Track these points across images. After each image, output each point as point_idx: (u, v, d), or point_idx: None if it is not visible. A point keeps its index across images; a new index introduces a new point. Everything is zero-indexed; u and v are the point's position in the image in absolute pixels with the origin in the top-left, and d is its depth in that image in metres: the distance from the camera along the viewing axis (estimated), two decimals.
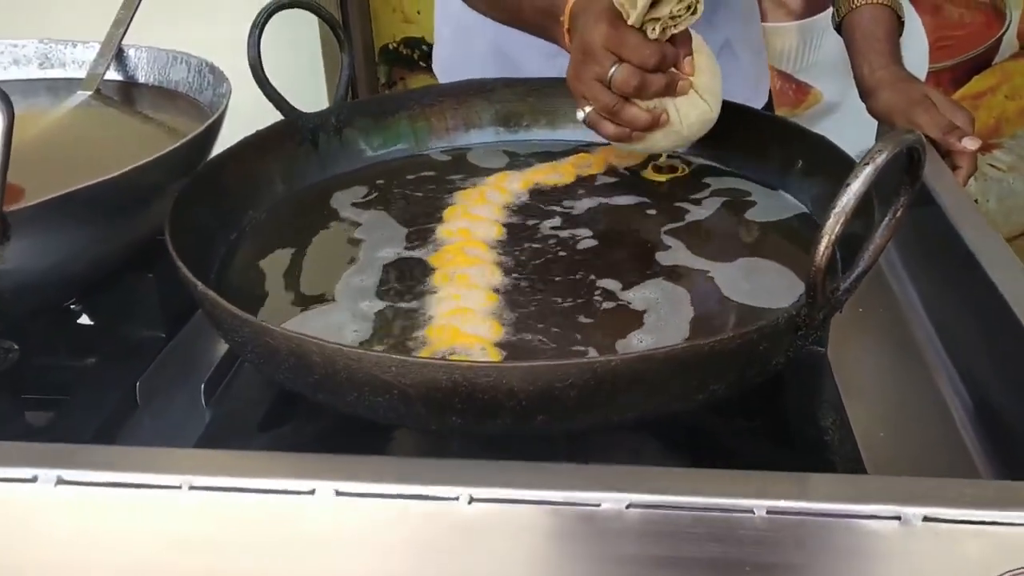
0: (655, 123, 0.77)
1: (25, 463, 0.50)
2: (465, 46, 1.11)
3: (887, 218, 0.56)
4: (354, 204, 0.83)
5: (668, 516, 0.47)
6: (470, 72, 1.00)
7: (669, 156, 0.88)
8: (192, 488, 0.49)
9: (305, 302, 0.69)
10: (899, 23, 0.98)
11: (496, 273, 0.71)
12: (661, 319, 0.64)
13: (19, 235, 0.62)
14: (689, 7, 0.71)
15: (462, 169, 0.89)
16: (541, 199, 0.83)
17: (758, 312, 0.65)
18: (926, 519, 0.45)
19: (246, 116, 0.85)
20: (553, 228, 0.78)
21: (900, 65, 0.96)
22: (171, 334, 0.77)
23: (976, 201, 2.01)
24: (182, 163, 0.73)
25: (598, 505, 0.47)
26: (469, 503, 0.47)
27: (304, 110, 0.87)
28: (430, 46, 2.19)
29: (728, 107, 0.87)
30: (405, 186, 0.86)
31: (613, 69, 0.73)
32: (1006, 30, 1.96)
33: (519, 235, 0.77)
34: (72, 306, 0.80)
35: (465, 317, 0.66)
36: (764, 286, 0.68)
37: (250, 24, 0.80)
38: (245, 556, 0.50)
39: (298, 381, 0.57)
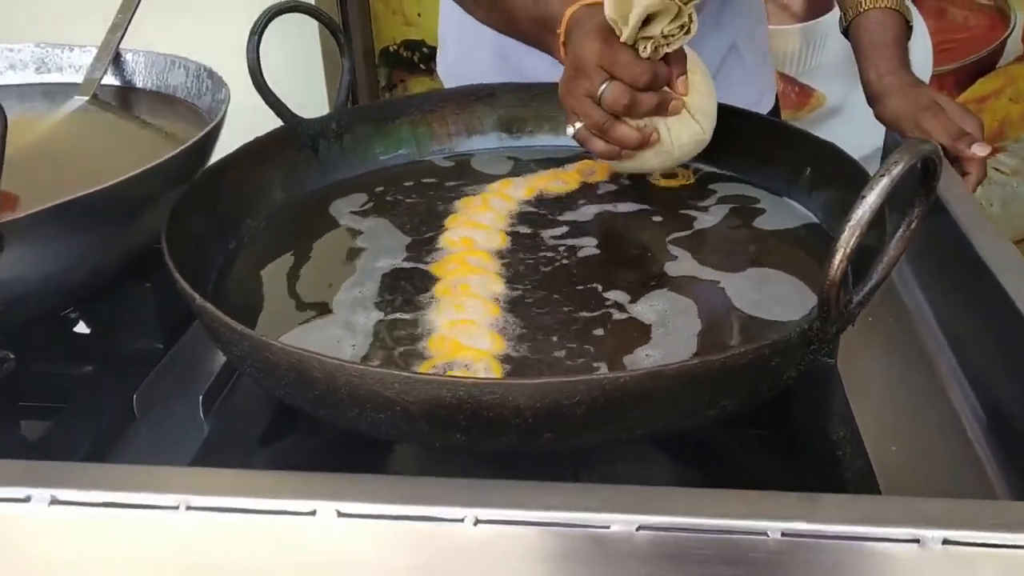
0: (645, 142, 0.75)
1: (18, 482, 0.49)
2: (469, 50, 1.09)
3: (901, 229, 0.55)
4: (355, 212, 0.81)
5: (679, 539, 0.45)
6: (475, 76, 0.99)
7: None
8: (189, 508, 0.48)
9: (305, 313, 0.67)
10: (907, 28, 0.97)
11: (499, 283, 0.70)
12: (668, 332, 0.63)
13: (14, 245, 0.60)
14: (683, 27, 0.70)
15: (465, 176, 0.88)
16: (545, 207, 0.81)
17: (767, 325, 0.64)
18: (946, 542, 0.44)
19: (246, 120, 0.84)
20: (557, 237, 0.76)
21: (908, 70, 0.95)
22: (169, 344, 0.76)
23: None
24: (180, 171, 0.72)
25: (607, 527, 0.46)
26: (475, 524, 0.46)
27: (304, 115, 0.86)
28: (431, 48, 2.20)
29: (734, 112, 0.86)
30: (407, 193, 0.85)
31: (603, 86, 0.72)
32: (1010, 33, 1.95)
33: (523, 244, 0.75)
34: (69, 314, 0.78)
35: (467, 329, 0.64)
36: (773, 297, 0.67)
37: (249, 27, 0.79)
38: None
39: (298, 396, 0.55)
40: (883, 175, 0.48)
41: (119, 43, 0.92)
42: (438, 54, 1.19)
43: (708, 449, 0.65)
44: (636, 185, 0.85)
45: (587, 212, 0.80)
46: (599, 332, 0.63)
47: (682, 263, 0.72)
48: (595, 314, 0.65)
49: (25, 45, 0.95)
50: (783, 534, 0.45)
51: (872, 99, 0.96)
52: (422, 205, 0.82)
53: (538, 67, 0.99)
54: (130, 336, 0.75)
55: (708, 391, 0.52)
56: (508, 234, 0.77)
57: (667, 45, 0.71)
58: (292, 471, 0.51)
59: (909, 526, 0.44)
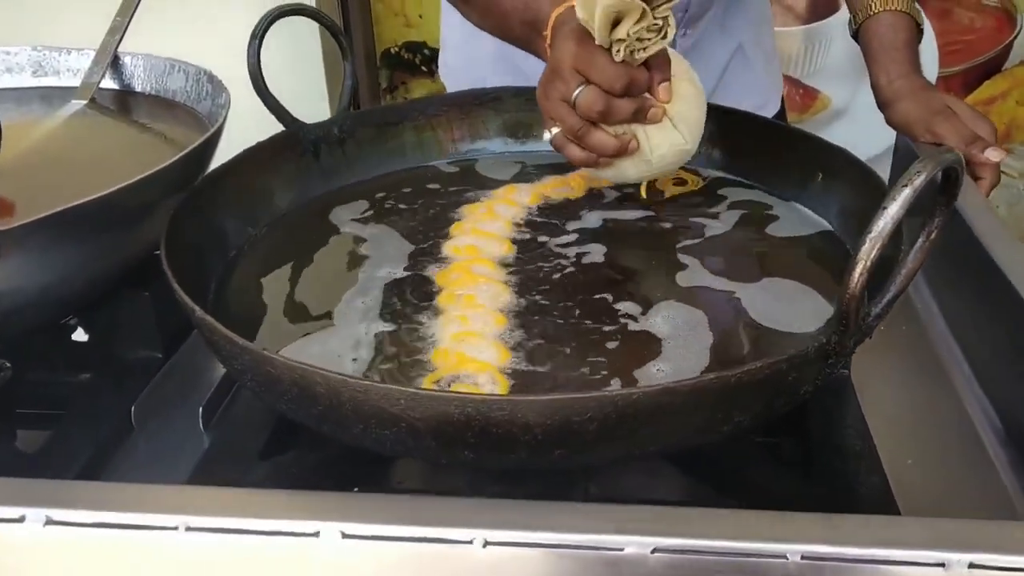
0: (623, 150, 0.72)
1: (12, 501, 0.48)
2: (471, 52, 1.08)
3: (920, 240, 0.53)
4: (357, 219, 0.80)
5: (696, 561, 0.44)
6: (477, 79, 0.97)
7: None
8: (189, 529, 0.47)
9: (306, 324, 0.66)
10: (918, 30, 0.95)
11: (505, 293, 0.68)
12: (680, 345, 0.61)
13: (10, 255, 0.60)
14: (659, 29, 0.67)
15: (469, 181, 0.87)
16: (552, 214, 0.80)
17: (781, 337, 0.63)
18: (972, 566, 0.43)
19: (246, 125, 0.83)
20: (564, 245, 0.75)
21: (919, 74, 0.93)
22: (168, 353, 0.74)
23: None
24: (179, 178, 0.71)
25: (622, 549, 0.44)
26: (484, 546, 0.45)
27: (305, 119, 0.84)
28: (432, 50, 2.18)
29: (742, 116, 0.85)
30: (410, 200, 0.83)
31: (578, 90, 0.69)
32: (1017, 34, 1.93)
33: (529, 252, 0.74)
34: (67, 321, 0.77)
35: (471, 341, 0.63)
36: (788, 309, 0.65)
37: (249, 30, 0.77)
38: None
39: (300, 412, 0.54)
40: (905, 185, 0.46)
41: (117, 46, 0.91)
42: (440, 56, 1.18)
43: (719, 461, 0.64)
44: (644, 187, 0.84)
45: (594, 219, 0.79)
46: (608, 345, 0.62)
47: (693, 273, 0.70)
48: (604, 326, 0.64)
49: (22, 48, 0.93)
50: (803, 557, 0.44)
51: (883, 104, 0.94)
52: (426, 212, 0.81)
53: (541, 69, 0.97)
54: (128, 345, 0.74)
55: (723, 407, 0.51)
56: (514, 242, 0.75)
57: (643, 49, 0.67)
58: (295, 490, 0.50)
59: (934, 549, 0.43)
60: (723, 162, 0.86)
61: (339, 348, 0.63)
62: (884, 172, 0.76)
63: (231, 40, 0.87)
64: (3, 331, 0.66)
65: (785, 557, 0.44)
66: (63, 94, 0.90)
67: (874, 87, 0.95)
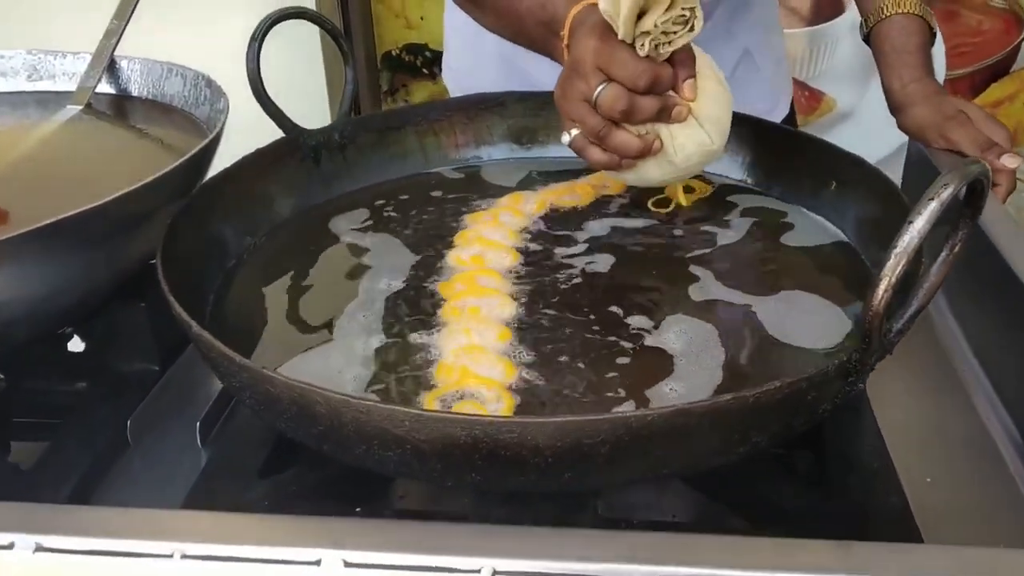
0: (647, 151, 0.69)
1: (0, 527, 0.46)
2: (475, 56, 1.06)
3: (943, 253, 0.52)
4: (358, 228, 0.78)
5: None
6: (481, 82, 0.96)
7: None
8: (184, 557, 0.45)
9: (306, 337, 0.64)
10: (931, 34, 0.93)
11: (510, 306, 0.66)
12: (692, 362, 0.59)
13: (2, 266, 0.58)
14: (685, 21, 0.64)
15: (473, 188, 0.85)
16: (558, 222, 0.78)
17: (796, 353, 0.61)
18: None
19: (245, 130, 0.81)
20: (572, 255, 0.73)
21: (932, 78, 0.92)
22: (165, 366, 0.72)
23: None
24: (177, 186, 0.69)
25: None
26: None
27: (305, 124, 0.82)
28: (433, 52, 2.17)
29: (751, 121, 0.83)
30: (413, 207, 0.81)
31: (600, 88, 0.66)
32: None
33: (535, 263, 0.72)
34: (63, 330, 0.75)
35: (476, 356, 0.61)
36: (802, 323, 0.63)
37: (248, 34, 0.75)
38: None
39: (300, 431, 0.52)
40: (932, 199, 0.44)
41: (114, 50, 0.89)
42: (443, 59, 1.16)
43: (731, 476, 0.61)
44: (652, 198, 0.82)
45: (602, 227, 0.77)
46: (618, 362, 0.60)
47: (706, 285, 0.68)
48: (613, 341, 0.62)
49: (16, 52, 0.92)
50: None
51: (895, 108, 0.93)
52: (429, 220, 0.79)
53: (547, 73, 0.95)
54: (124, 357, 0.72)
55: (740, 428, 0.49)
56: (519, 252, 0.73)
57: (668, 43, 0.64)
58: (295, 516, 0.48)
59: None
60: (732, 168, 0.84)
61: (339, 363, 0.61)
62: (890, 175, 0.74)
63: (230, 44, 0.86)
64: None
65: None
66: (59, 99, 0.89)
67: (886, 91, 0.93)
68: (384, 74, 2.10)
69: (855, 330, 0.62)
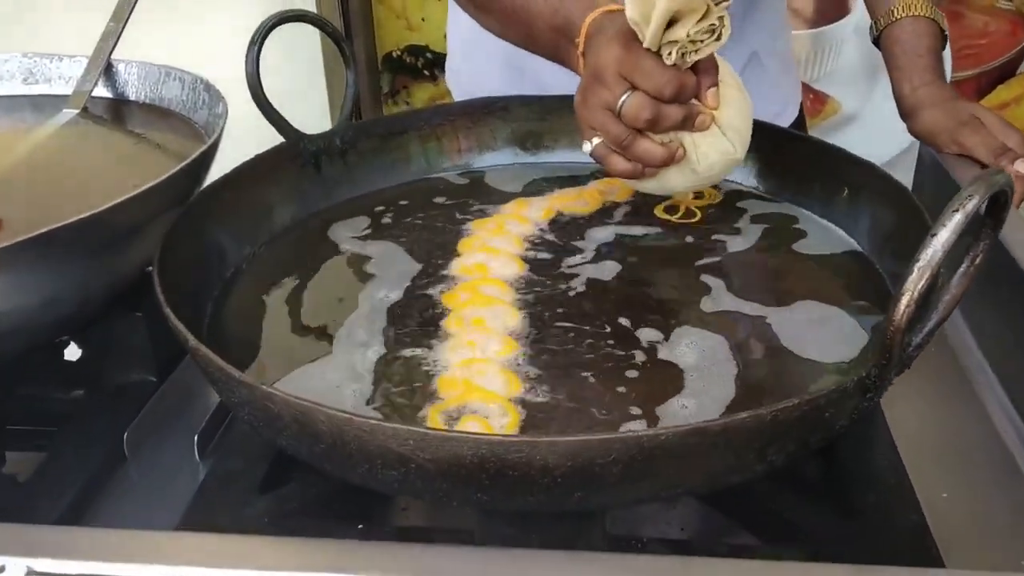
0: (670, 159, 0.68)
1: None
2: (478, 59, 1.04)
3: (964, 265, 0.50)
4: (360, 236, 0.77)
5: None
6: (484, 86, 0.94)
7: None
8: None
9: (307, 349, 0.63)
10: (942, 36, 0.92)
11: (515, 316, 0.65)
12: (704, 376, 0.58)
13: None
14: (712, 30, 0.62)
15: (478, 194, 0.83)
16: (565, 230, 0.76)
17: (811, 366, 0.59)
18: None
19: (244, 133, 0.79)
20: (579, 264, 0.71)
21: (944, 82, 0.90)
22: (162, 377, 0.71)
23: None
24: (174, 193, 0.68)
25: None
26: None
27: (306, 130, 0.81)
28: (434, 54, 2.15)
29: (760, 126, 0.81)
30: (416, 214, 0.80)
31: (624, 97, 0.65)
32: None
33: (541, 272, 0.70)
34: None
35: (480, 368, 0.60)
36: (817, 335, 0.62)
37: (248, 37, 0.74)
38: None
39: (301, 449, 0.50)
40: (956, 211, 0.43)
41: (111, 53, 0.88)
42: (446, 62, 1.14)
43: (742, 490, 0.60)
44: (661, 204, 0.80)
45: (609, 235, 0.76)
46: (627, 376, 0.59)
47: (718, 295, 0.67)
48: (621, 354, 0.61)
49: (12, 55, 0.91)
50: None
51: (905, 113, 0.91)
52: (432, 227, 0.78)
53: (552, 76, 0.94)
54: (121, 368, 0.71)
55: (756, 446, 0.47)
56: (525, 260, 0.72)
57: (695, 51, 0.63)
58: (294, 538, 0.46)
59: None
60: (741, 174, 0.82)
61: (340, 376, 0.59)
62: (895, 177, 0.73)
63: (229, 47, 0.84)
64: None
65: None
66: (55, 102, 0.88)
67: (896, 96, 0.92)
68: (385, 76, 2.08)
69: (872, 344, 0.61)
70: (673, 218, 0.78)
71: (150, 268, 0.61)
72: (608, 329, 0.63)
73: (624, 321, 0.64)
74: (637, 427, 0.54)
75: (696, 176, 0.70)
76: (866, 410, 0.52)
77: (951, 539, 0.56)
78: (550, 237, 0.76)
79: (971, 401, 0.69)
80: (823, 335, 0.62)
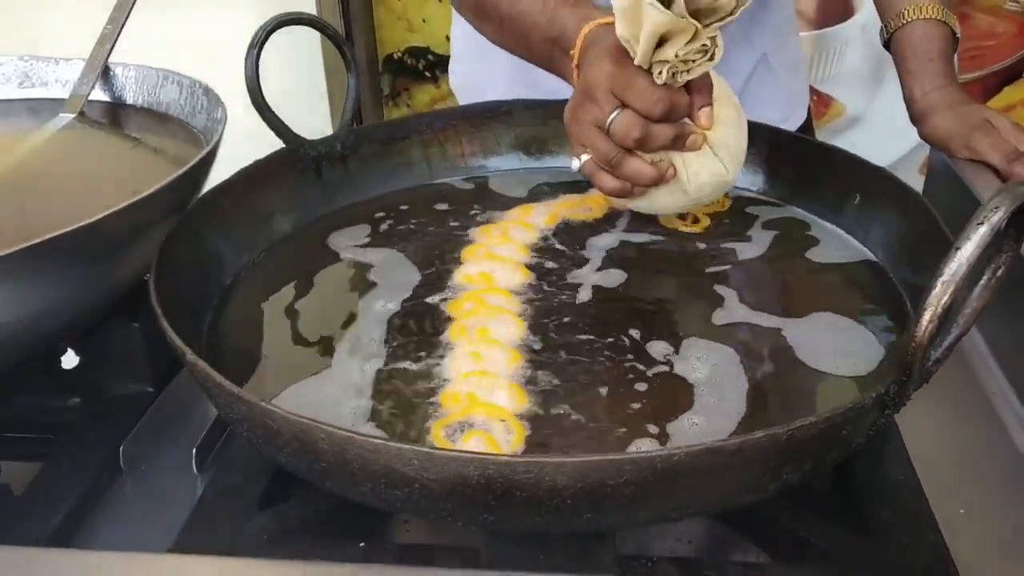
0: (660, 179, 0.66)
1: None
2: (483, 60, 1.03)
3: (985, 277, 0.49)
4: (362, 243, 0.75)
5: None
6: (489, 88, 0.92)
7: None
8: None
9: (307, 361, 0.61)
10: (954, 39, 0.90)
11: (520, 327, 0.63)
12: (715, 392, 0.56)
13: None
14: (705, 50, 0.61)
15: (481, 200, 0.82)
16: (570, 237, 0.75)
17: (824, 380, 0.58)
18: None
19: (243, 138, 0.78)
20: (585, 272, 0.70)
21: (956, 86, 0.89)
22: (159, 387, 0.69)
23: None
24: (172, 201, 0.66)
25: None
26: None
27: (306, 134, 0.80)
28: (436, 56, 2.13)
29: (769, 131, 0.80)
30: (418, 221, 0.78)
31: (613, 115, 0.63)
32: None
33: (547, 280, 0.69)
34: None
35: (484, 381, 0.58)
36: (832, 348, 0.61)
37: (247, 41, 0.72)
38: None
39: (302, 467, 0.49)
40: (980, 223, 0.41)
41: (108, 56, 0.86)
42: (450, 65, 1.13)
43: (753, 510, 0.59)
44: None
45: (616, 242, 0.74)
46: (636, 388, 0.57)
47: (730, 306, 0.65)
48: (630, 367, 0.59)
49: (8, 58, 0.90)
50: None
51: (916, 118, 0.90)
52: (435, 234, 0.76)
53: (559, 81, 0.92)
54: (117, 378, 0.69)
55: (772, 465, 0.46)
56: (530, 268, 0.70)
57: (687, 71, 0.62)
58: (293, 561, 0.45)
59: None
60: (750, 180, 0.81)
61: (341, 389, 0.58)
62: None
63: (228, 51, 0.83)
64: None
65: None
66: (51, 106, 0.86)
67: (907, 100, 0.90)
68: (385, 78, 2.06)
69: (889, 358, 0.59)
70: (682, 227, 0.77)
71: (148, 276, 0.59)
72: (616, 341, 0.62)
73: (632, 332, 0.62)
74: (647, 444, 0.53)
75: (686, 197, 0.69)
76: (884, 426, 0.50)
77: (969, 556, 0.54)
78: (555, 244, 0.74)
79: (988, 414, 0.68)
80: (838, 347, 0.60)
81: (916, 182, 0.95)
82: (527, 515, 0.45)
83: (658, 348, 0.61)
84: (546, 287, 0.68)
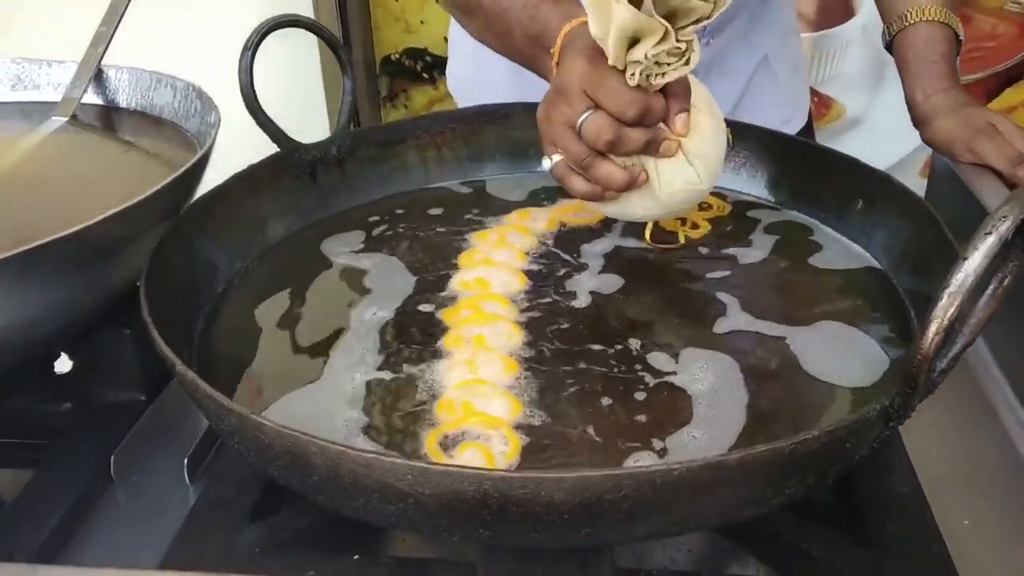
0: (632, 183, 0.64)
1: None
2: (481, 62, 1.02)
3: (992, 286, 0.47)
4: (357, 249, 0.74)
5: None
6: (488, 90, 0.91)
7: None
8: None
9: (300, 371, 0.60)
10: (957, 41, 0.89)
11: (517, 335, 0.62)
12: (715, 404, 0.55)
13: None
14: (681, 54, 0.58)
15: (478, 204, 0.81)
16: (569, 242, 0.74)
17: (826, 391, 0.57)
18: None
19: (237, 142, 0.77)
20: (584, 279, 0.69)
21: (959, 89, 0.88)
22: (151, 396, 0.68)
23: None
24: (164, 206, 0.65)
25: None
26: None
27: (302, 137, 0.79)
28: (434, 57, 2.12)
29: (770, 134, 0.79)
30: (415, 226, 0.77)
31: (585, 115, 0.61)
32: None
33: (544, 287, 0.68)
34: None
35: (479, 391, 0.57)
36: (833, 356, 0.60)
37: (242, 43, 0.71)
38: None
39: (294, 480, 0.48)
40: (988, 233, 0.40)
41: (101, 58, 0.86)
42: (447, 67, 1.12)
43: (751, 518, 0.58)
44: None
45: (615, 247, 0.73)
46: (634, 400, 0.56)
47: (731, 314, 0.64)
48: (628, 377, 0.58)
49: (0, 60, 0.88)
50: None
51: (918, 121, 0.89)
52: (432, 239, 0.75)
53: None
54: (109, 387, 0.68)
55: (775, 480, 0.45)
56: (528, 274, 0.69)
57: (661, 74, 0.59)
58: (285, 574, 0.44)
59: None
60: (751, 184, 0.80)
61: (334, 399, 0.57)
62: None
63: (222, 53, 0.82)
64: None
65: None
66: (43, 109, 0.86)
67: (909, 103, 0.89)
68: (383, 79, 2.05)
69: (894, 369, 0.59)
70: (682, 232, 0.75)
71: (139, 283, 0.58)
72: (614, 349, 0.61)
73: (632, 341, 0.61)
74: (645, 457, 0.52)
75: (657, 203, 0.66)
76: (887, 438, 0.49)
77: (974, 569, 0.53)
78: (553, 249, 0.73)
79: (992, 425, 0.67)
80: (841, 357, 0.60)
81: (917, 184, 0.94)
82: (524, 530, 0.44)
83: (658, 358, 0.60)
84: (544, 294, 0.67)
